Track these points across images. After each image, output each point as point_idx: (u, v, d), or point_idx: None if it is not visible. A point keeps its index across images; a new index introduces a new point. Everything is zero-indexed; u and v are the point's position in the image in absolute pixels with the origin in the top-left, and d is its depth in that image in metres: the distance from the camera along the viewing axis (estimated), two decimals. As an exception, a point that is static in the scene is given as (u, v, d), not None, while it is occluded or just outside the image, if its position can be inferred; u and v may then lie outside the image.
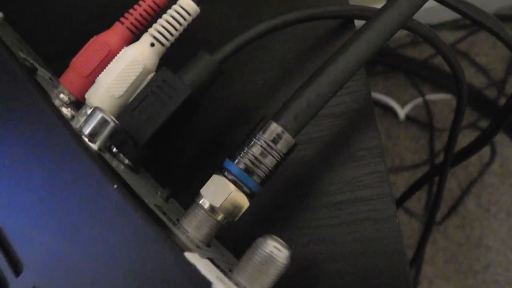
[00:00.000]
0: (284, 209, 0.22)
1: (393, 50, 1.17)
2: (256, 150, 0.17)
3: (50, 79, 0.24)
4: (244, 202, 0.17)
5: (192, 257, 0.14)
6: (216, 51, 0.21)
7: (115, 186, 0.15)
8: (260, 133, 0.17)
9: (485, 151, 1.04)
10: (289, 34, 0.24)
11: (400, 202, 0.44)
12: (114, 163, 0.18)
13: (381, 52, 1.16)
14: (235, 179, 0.17)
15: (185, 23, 0.22)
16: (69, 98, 0.22)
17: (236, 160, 0.17)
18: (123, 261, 0.14)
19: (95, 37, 0.22)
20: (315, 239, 0.21)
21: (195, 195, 0.17)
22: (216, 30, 0.23)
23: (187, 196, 0.18)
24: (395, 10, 0.19)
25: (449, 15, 1.11)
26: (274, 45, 0.24)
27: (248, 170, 0.17)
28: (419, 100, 1.12)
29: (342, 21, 0.24)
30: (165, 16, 0.22)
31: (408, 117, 1.12)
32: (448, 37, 1.12)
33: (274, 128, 0.17)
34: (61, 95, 0.21)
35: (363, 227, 0.20)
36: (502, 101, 1.06)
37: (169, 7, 0.22)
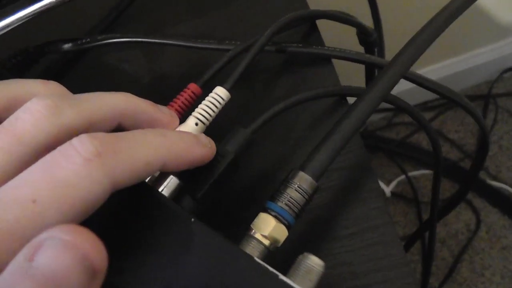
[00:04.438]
0: (312, 241, 0.27)
1: (372, 132, 1.26)
2: (290, 192, 0.23)
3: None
4: (284, 231, 0.22)
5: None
6: (249, 125, 0.27)
7: (193, 219, 0.20)
8: (292, 179, 0.23)
9: (471, 219, 1.09)
10: (299, 110, 0.31)
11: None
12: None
13: (361, 135, 1.24)
14: (276, 214, 0.23)
15: (220, 106, 0.28)
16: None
17: (276, 200, 0.23)
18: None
19: (147, 121, 0.29)
20: (338, 262, 0.26)
21: (241, 233, 0.23)
22: (244, 109, 0.29)
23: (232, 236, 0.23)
24: (377, 88, 0.25)
25: (420, 97, 1.23)
26: (289, 118, 0.31)
27: (285, 207, 0.23)
28: (402, 177, 1.19)
29: (337, 98, 0.32)
30: (204, 101, 0.28)
31: (394, 194, 1.18)
32: (421, 117, 1.21)
33: (302, 175, 0.23)
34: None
35: (374, 249, 0.26)
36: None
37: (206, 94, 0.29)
